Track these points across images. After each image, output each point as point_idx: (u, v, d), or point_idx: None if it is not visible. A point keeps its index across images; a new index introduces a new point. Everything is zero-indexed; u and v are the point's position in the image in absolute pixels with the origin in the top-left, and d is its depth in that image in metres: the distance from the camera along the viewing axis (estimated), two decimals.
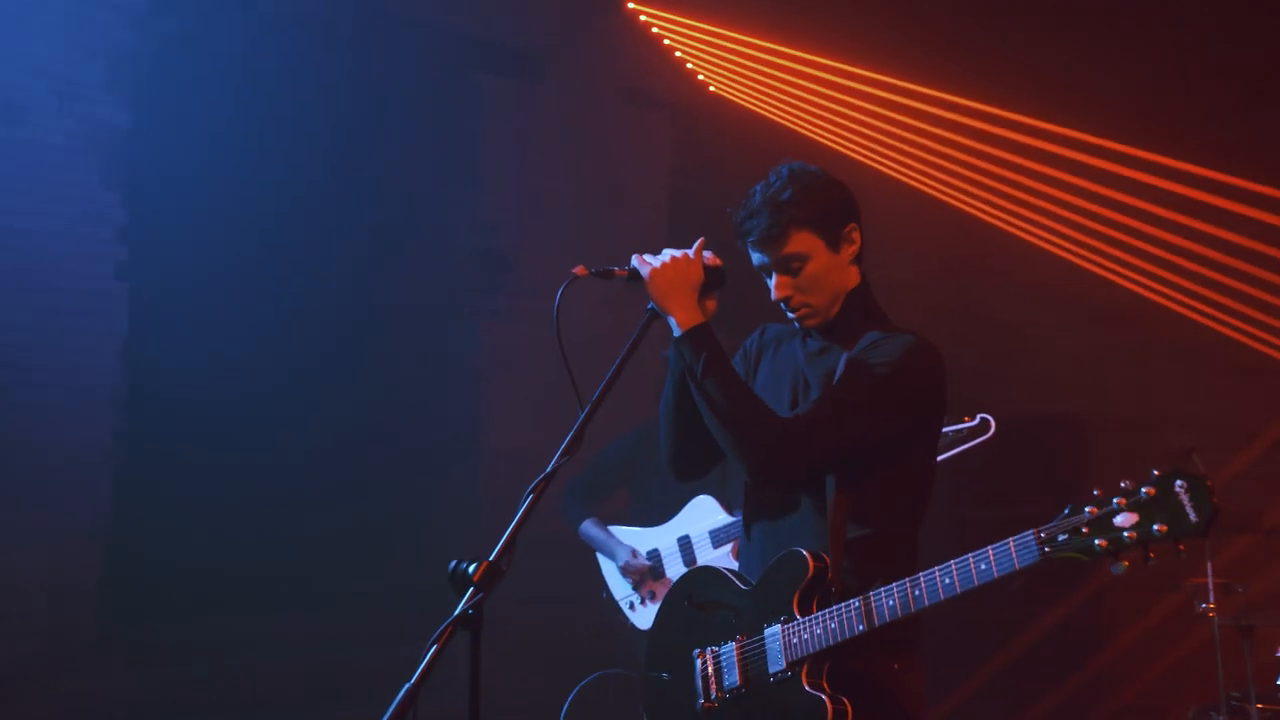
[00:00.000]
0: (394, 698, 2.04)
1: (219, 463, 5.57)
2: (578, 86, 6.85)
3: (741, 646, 2.55)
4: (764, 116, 6.93)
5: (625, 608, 4.74)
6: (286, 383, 5.88)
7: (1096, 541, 2.05)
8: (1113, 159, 6.28)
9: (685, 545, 4.64)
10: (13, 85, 5.28)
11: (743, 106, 6.98)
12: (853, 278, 2.65)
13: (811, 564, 2.45)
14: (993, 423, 3.56)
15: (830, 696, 2.37)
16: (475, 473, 6.50)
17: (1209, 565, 4.38)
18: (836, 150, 6.73)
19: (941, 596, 2.26)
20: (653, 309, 2.58)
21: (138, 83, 5.60)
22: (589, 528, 4.97)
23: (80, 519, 5.35)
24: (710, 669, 2.59)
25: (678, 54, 6.95)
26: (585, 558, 5.12)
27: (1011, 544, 2.16)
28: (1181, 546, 2.00)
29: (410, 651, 6.27)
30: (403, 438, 6.34)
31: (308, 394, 5.94)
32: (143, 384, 5.57)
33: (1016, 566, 2.14)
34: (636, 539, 4.81)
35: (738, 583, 2.64)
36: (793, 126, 6.85)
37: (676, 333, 2.54)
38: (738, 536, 4.48)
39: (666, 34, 6.88)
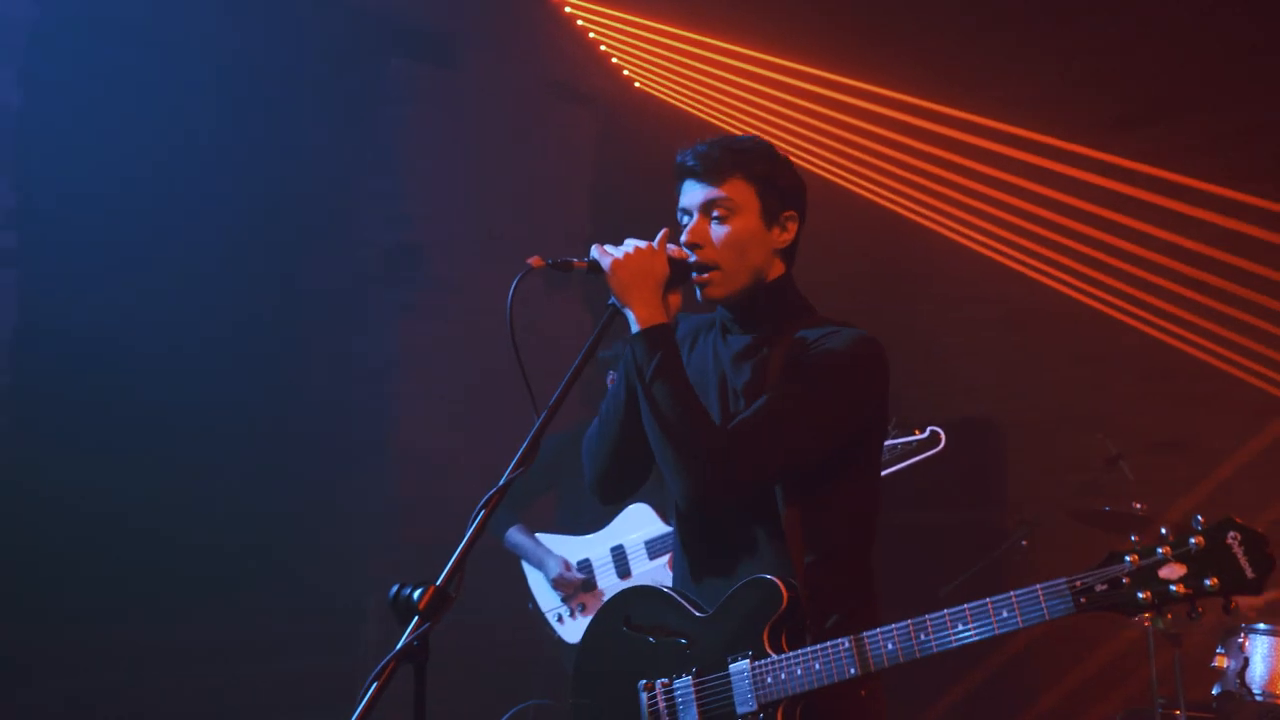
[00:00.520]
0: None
1: (110, 463, 5.23)
2: (497, 75, 6.62)
3: (700, 682, 2.32)
4: (691, 113, 6.80)
5: (553, 620, 4.54)
6: (184, 380, 5.57)
7: (1140, 594, 1.90)
8: (1030, 149, 6.32)
9: (619, 556, 4.46)
10: None
11: (669, 103, 6.85)
12: (776, 267, 2.44)
13: (785, 594, 2.24)
14: (943, 435, 3.48)
15: None
16: (384, 476, 6.25)
17: None
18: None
19: (953, 644, 2.04)
20: (614, 304, 2.36)
21: (27, 59, 5.24)
22: (515, 535, 4.76)
23: None
24: (661, 704, 2.36)
25: (603, 47, 6.79)
26: (510, 566, 4.92)
27: (1041, 592, 1.97)
28: (1234, 603, 1.89)
29: (314, 663, 6.03)
30: (306, 439, 6.05)
31: (206, 392, 5.64)
32: (30, 380, 5.21)
33: (1047, 618, 1.96)
34: (565, 548, 4.62)
35: (689, 608, 2.41)
36: (720, 123, 6.74)
37: (634, 329, 2.33)
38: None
39: (591, 26, 6.70)
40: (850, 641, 2.15)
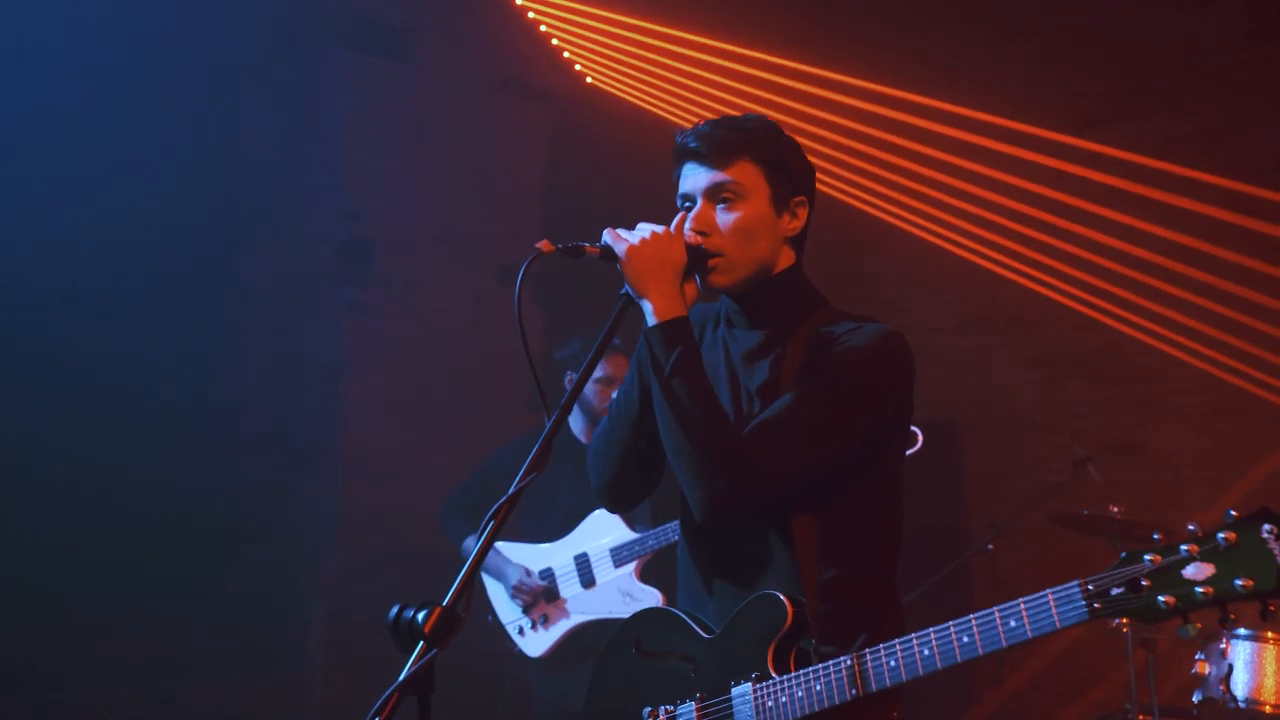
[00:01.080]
0: None
1: (38, 467, 4.98)
2: (447, 69, 6.43)
3: (703, 707, 2.19)
4: (644, 109, 6.68)
5: (514, 633, 4.36)
6: (120, 381, 5.33)
7: (1161, 598, 1.69)
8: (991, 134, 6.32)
9: (583, 564, 4.30)
10: None
11: (622, 99, 6.72)
12: (785, 257, 2.28)
13: (790, 611, 2.10)
14: (920, 434, 3.40)
15: None
16: (332, 479, 6.03)
17: None
18: None
19: (958, 658, 1.86)
20: (627, 293, 2.17)
21: None
22: (472, 542, 4.55)
23: None
24: None
25: (555, 42, 6.63)
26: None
27: (1051, 598, 1.78)
28: (1272, 606, 1.67)
29: (257, 675, 5.77)
30: (250, 441, 5.84)
31: (143, 393, 5.41)
32: None
33: (1058, 626, 1.78)
34: (528, 556, 4.44)
35: (697, 629, 2.26)
36: (675, 119, 6.63)
37: (650, 321, 2.14)
38: (642, 555, 4.22)
39: (544, 20, 6.54)
40: (851, 659, 2.01)
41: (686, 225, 2.23)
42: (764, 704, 2.09)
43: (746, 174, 2.22)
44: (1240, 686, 3.61)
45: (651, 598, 4.16)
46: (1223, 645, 3.81)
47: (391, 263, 6.22)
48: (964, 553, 5.21)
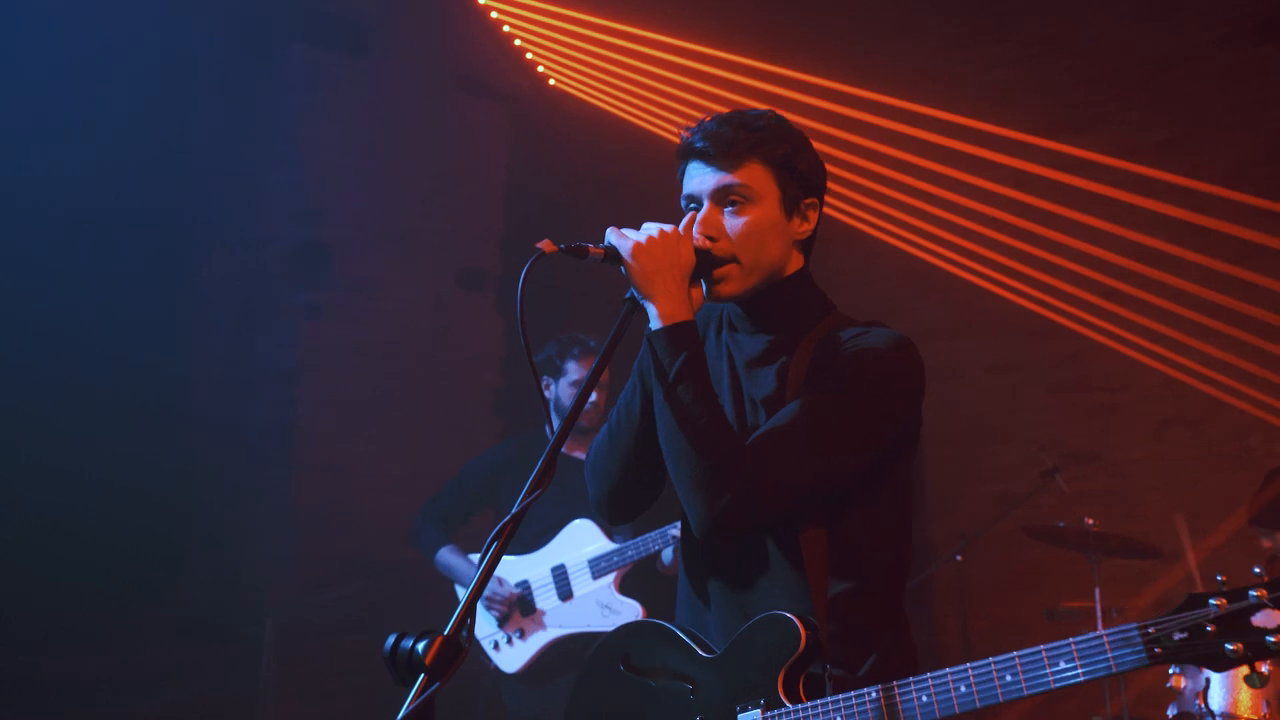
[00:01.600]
0: None
1: None
2: (407, 67, 6.29)
3: None
4: (608, 112, 6.60)
5: (489, 648, 4.25)
6: (64, 384, 5.14)
7: (1229, 645, 1.62)
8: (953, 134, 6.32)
9: (560, 576, 4.20)
10: None
11: (585, 101, 6.63)
12: (794, 261, 2.20)
13: (803, 634, 1.99)
14: None
15: None
16: (285, 487, 5.86)
17: (1096, 591, 4.34)
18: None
19: (1000, 698, 1.77)
20: (632, 297, 2.07)
21: None
22: (446, 555, 4.45)
23: None
24: None
25: (518, 42, 6.53)
26: (442, 589, 4.62)
27: (1106, 639, 1.71)
28: None
29: (206, 691, 5.58)
30: (200, 448, 5.65)
31: (89, 397, 5.21)
32: None
33: (1114, 670, 1.70)
34: (503, 568, 4.32)
35: (695, 648, 2.15)
36: (639, 122, 6.55)
37: (655, 325, 2.04)
38: (622, 567, 4.13)
39: (506, 19, 6.44)
40: (878, 693, 1.88)
41: (694, 229, 2.14)
42: None
43: (756, 176, 2.14)
44: (1216, 701, 3.61)
45: (631, 610, 4.08)
46: None
47: (349, 264, 6.06)
48: (930, 564, 5.19)
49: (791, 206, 2.17)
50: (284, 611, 5.53)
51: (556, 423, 4.55)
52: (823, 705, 1.95)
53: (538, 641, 4.18)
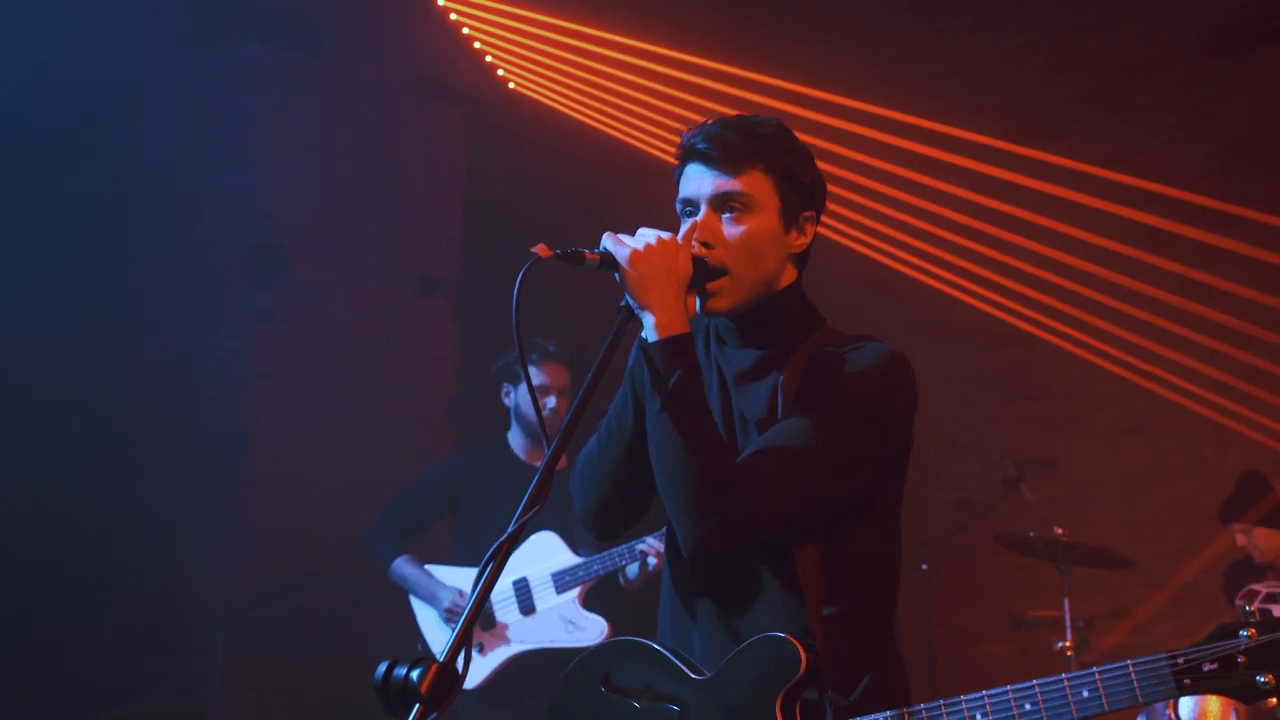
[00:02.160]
0: None
1: None
2: (363, 68, 6.18)
3: None
4: (569, 116, 6.53)
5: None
6: (8, 393, 4.98)
7: (1261, 678, 1.60)
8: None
9: (522, 590, 4.11)
10: None
11: (545, 105, 6.56)
12: (788, 274, 2.14)
13: (804, 658, 1.91)
14: None
15: None
16: (235, 498, 5.72)
17: (1065, 601, 4.35)
18: (649, 153, 6.45)
19: None
20: (627, 305, 1.99)
21: None
22: (402, 566, 4.34)
23: None
24: None
25: (477, 44, 6.44)
26: (397, 600, 4.52)
27: (1133, 669, 1.67)
28: None
29: (154, 707, 5.42)
30: (146, 458, 5.50)
31: (33, 403, 5.05)
32: None
33: (1140, 700, 1.67)
34: (461, 580, 4.23)
35: (684, 668, 2.06)
36: (600, 127, 6.50)
37: (651, 336, 1.97)
38: (586, 581, 4.06)
39: (466, 22, 6.35)
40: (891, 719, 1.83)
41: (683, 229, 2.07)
42: None
43: (758, 184, 2.07)
44: (1185, 709, 3.63)
45: (596, 626, 4.01)
46: None
47: (302, 268, 5.93)
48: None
49: (790, 218, 2.11)
50: (235, 623, 5.39)
51: (520, 437, 4.46)
52: None
53: (498, 657, 4.10)
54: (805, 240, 2.15)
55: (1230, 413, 5.69)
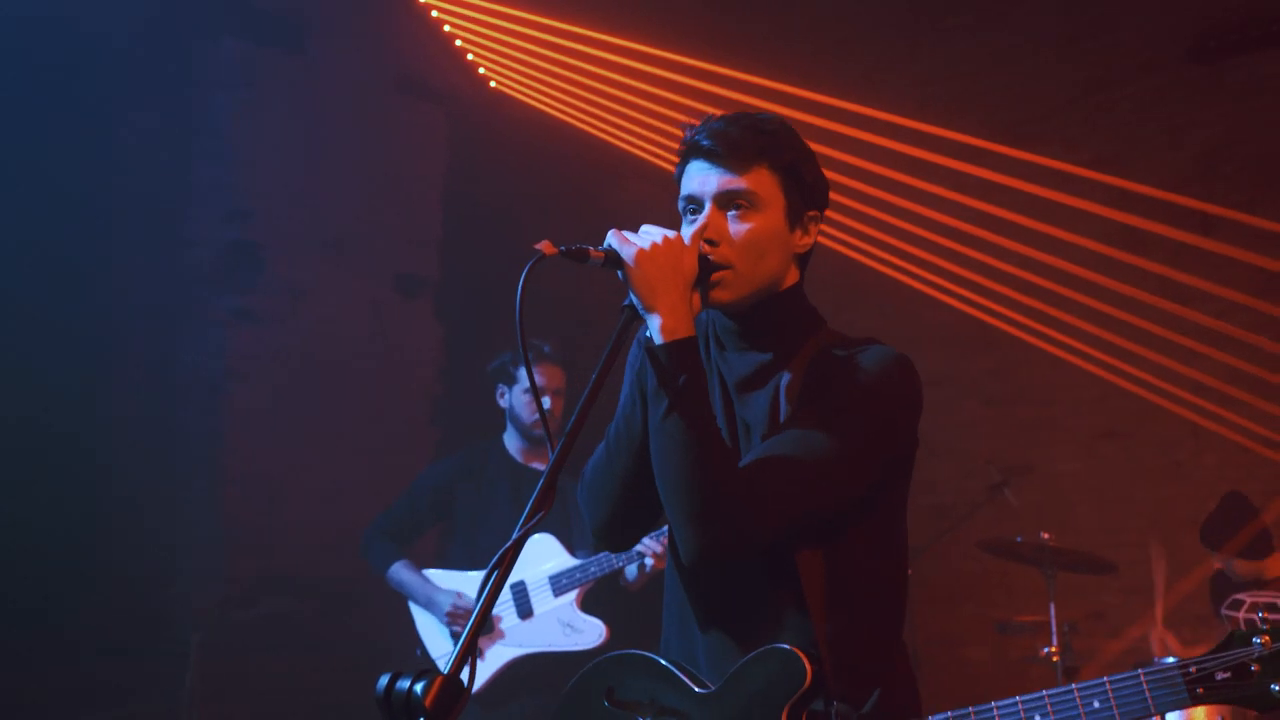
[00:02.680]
0: None
1: None
2: (343, 65, 6.12)
3: None
4: (550, 116, 6.49)
5: (443, 667, 4.08)
6: None
7: (1275, 686, 1.60)
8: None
9: (520, 593, 4.06)
10: None
11: (526, 104, 6.52)
12: (791, 274, 2.11)
13: (809, 669, 1.88)
14: None
15: None
16: (212, 498, 5.64)
17: (1052, 606, 4.36)
18: (630, 152, 6.42)
19: None
20: (631, 305, 1.95)
21: None
22: (400, 571, 4.27)
23: None
24: None
25: (458, 43, 6.38)
26: (375, 605, 4.47)
27: (1144, 678, 1.66)
28: None
29: (127, 711, 5.33)
30: (121, 459, 5.42)
31: (4, 408, 4.94)
32: None
33: (1152, 711, 1.66)
34: (459, 584, 4.17)
35: (687, 681, 2.02)
36: (582, 126, 6.46)
37: (657, 339, 1.92)
38: (584, 584, 4.02)
39: (447, 19, 6.29)
40: None
41: (692, 231, 2.03)
42: None
43: (763, 182, 2.03)
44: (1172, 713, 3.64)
45: (594, 629, 3.98)
46: None
47: (281, 268, 5.86)
48: None
49: (795, 217, 2.08)
50: (210, 628, 5.31)
51: (516, 440, 4.41)
52: None
53: (496, 660, 4.05)
54: (809, 240, 2.12)
55: (1210, 414, 5.72)
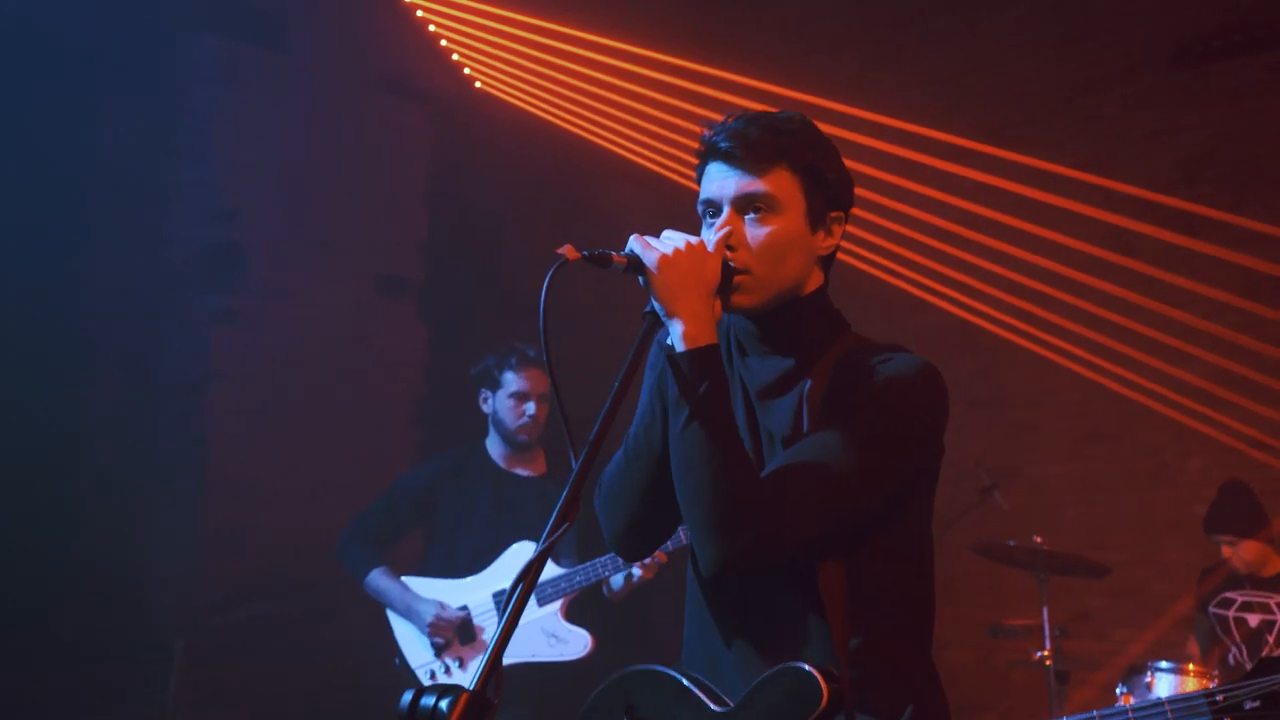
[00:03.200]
0: None
1: None
2: (327, 63, 6.05)
3: None
4: (536, 116, 6.45)
5: (425, 678, 3.98)
6: None
7: None
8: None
9: (503, 603, 4.00)
10: None
11: (512, 104, 6.47)
12: (814, 278, 2.05)
13: (825, 690, 1.83)
14: None
15: None
16: (194, 500, 5.57)
17: (1045, 610, 4.35)
18: (617, 154, 6.38)
19: None
20: (652, 311, 1.91)
21: None
22: (378, 578, 4.18)
23: None
24: None
25: (443, 42, 6.34)
26: (360, 609, 4.40)
27: (1169, 707, 1.65)
28: None
29: (110, 716, 5.24)
30: (103, 462, 5.34)
31: None
32: None
33: None
34: (440, 592, 4.09)
35: (705, 699, 1.98)
36: (567, 127, 6.42)
37: (679, 347, 1.87)
38: (569, 593, 3.97)
39: (432, 19, 6.24)
40: None
41: (711, 235, 1.98)
42: None
43: (783, 184, 1.97)
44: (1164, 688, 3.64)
45: (579, 639, 3.92)
46: (1148, 679, 3.85)
47: (263, 268, 5.79)
48: None
49: (816, 219, 2.02)
50: (194, 632, 5.24)
51: (499, 445, 4.35)
52: None
53: (479, 671, 3.97)
54: (832, 242, 2.06)
55: (1197, 415, 5.74)
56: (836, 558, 1.92)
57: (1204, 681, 3.75)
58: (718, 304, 1.95)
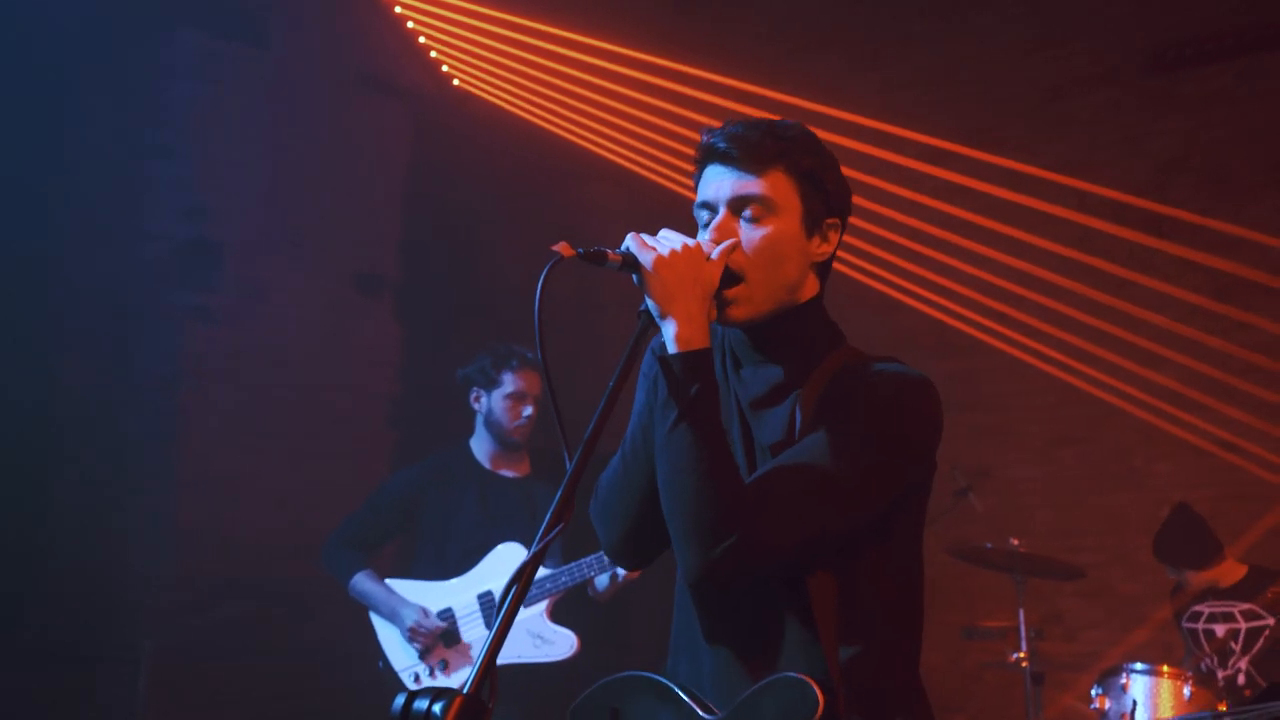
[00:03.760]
0: None
1: None
2: (306, 60, 6.00)
3: None
4: (514, 115, 6.44)
5: (408, 681, 3.95)
6: None
7: None
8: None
9: (487, 604, 3.97)
10: None
11: (490, 102, 6.45)
12: (810, 285, 2.03)
13: (821, 699, 1.80)
14: None
15: None
16: (165, 501, 5.51)
17: (1021, 612, 4.38)
18: (595, 153, 6.37)
19: None
20: (647, 311, 1.89)
21: None
22: (362, 582, 4.15)
23: None
24: None
25: (421, 39, 6.30)
26: (331, 609, 4.38)
27: None
28: None
29: (77, 718, 5.17)
30: (73, 461, 5.28)
31: None
32: None
33: None
34: (425, 595, 4.06)
35: (695, 707, 1.95)
36: (545, 126, 6.41)
37: (671, 349, 1.85)
38: (554, 594, 3.96)
39: (411, 16, 6.21)
40: None
41: (706, 236, 1.96)
42: None
43: (779, 186, 1.95)
44: (1140, 691, 3.68)
45: (565, 640, 3.91)
46: (1123, 680, 3.89)
47: (238, 265, 5.74)
48: None
49: (813, 224, 2.00)
50: (163, 634, 5.19)
51: (487, 444, 4.33)
52: None
53: (463, 674, 3.96)
54: (828, 248, 2.04)
55: (1167, 415, 5.80)
56: (827, 570, 1.90)
57: (1178, 684, 3.79)
58: (711, 308, 1.92)
